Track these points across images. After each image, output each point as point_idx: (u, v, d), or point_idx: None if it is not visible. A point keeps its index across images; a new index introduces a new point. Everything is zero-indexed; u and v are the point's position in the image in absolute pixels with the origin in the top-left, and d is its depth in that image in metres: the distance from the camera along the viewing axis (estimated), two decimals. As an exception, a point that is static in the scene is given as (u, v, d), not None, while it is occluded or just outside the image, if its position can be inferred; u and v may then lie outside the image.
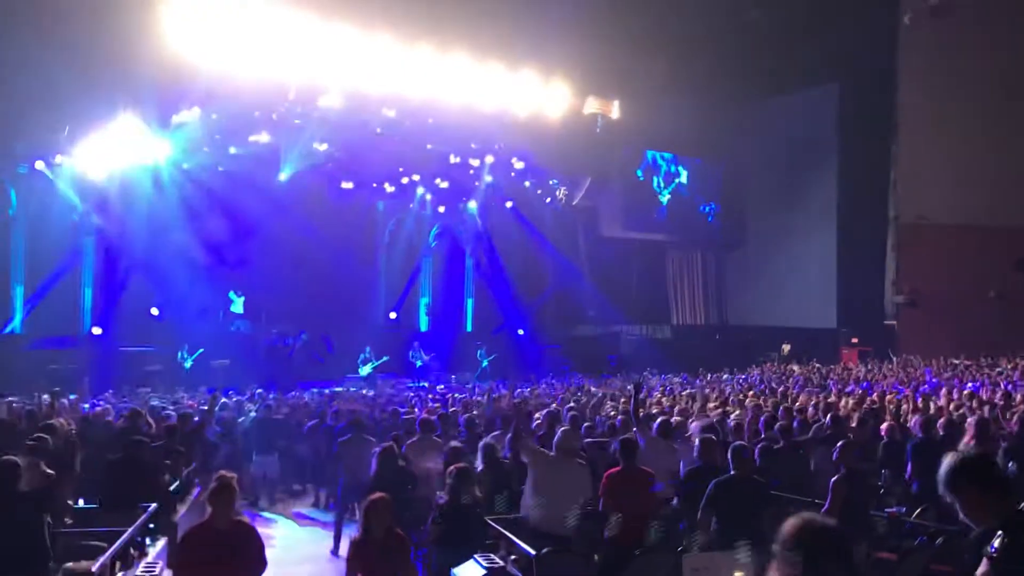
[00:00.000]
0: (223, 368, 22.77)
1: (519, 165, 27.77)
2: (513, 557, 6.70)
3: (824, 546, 2.66)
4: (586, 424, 10.75)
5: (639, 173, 31.69)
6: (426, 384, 23.30)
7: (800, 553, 2.63)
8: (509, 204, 29.09)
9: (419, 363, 26.91)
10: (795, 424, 10.04)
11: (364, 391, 20.73)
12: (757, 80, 28.29)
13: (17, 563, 5.73)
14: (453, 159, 26.60)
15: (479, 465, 8.11)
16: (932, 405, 12.59)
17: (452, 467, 7.17)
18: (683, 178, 32.89)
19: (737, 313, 33.70)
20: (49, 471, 7.51)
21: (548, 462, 7.10)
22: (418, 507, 8.03)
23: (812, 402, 13.41)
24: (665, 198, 32.47)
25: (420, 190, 28.28)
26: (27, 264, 22.20)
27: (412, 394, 19.06)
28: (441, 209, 29.49)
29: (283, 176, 24.84)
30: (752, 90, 29.31)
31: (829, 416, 10.46)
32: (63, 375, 18.66)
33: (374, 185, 27.43)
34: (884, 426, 10.03)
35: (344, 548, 9.90)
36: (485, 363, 27.12)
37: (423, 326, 30.04)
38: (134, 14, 17.66)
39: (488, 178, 27.99)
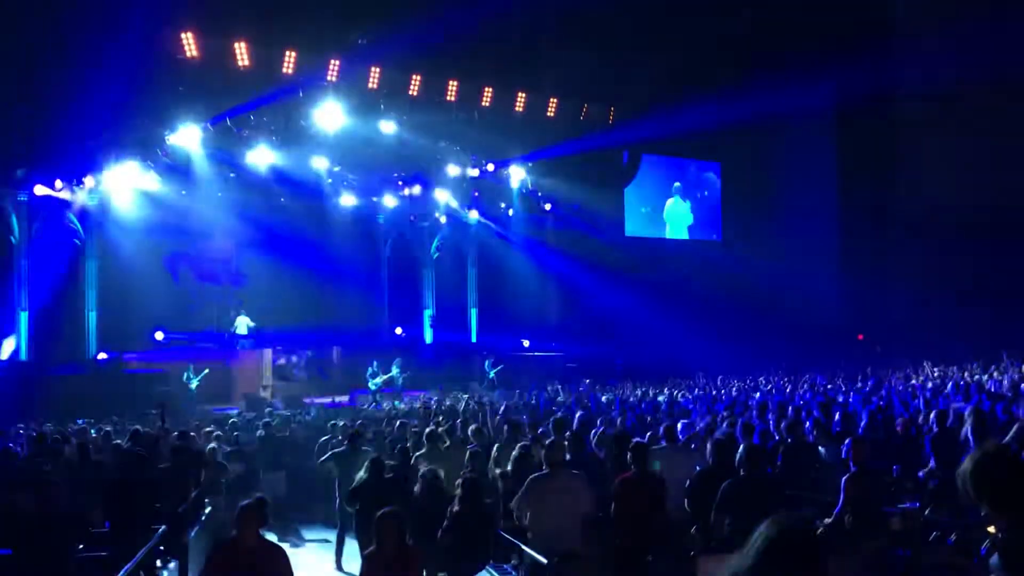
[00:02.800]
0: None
1: (519, 173, 27.78)
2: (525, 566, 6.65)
3: (786, 549, 2.57)
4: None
5: (643, 177, 31.67)
6: (435, 396, 23.16)
7: (760, 555, 2.56)
8: (511, 211, 29.11)
9: (491, 374, 26.70)
10: (808, 423, 9.97)
11: (369, 405, 20.67)
12: (751, 79, 28.16)
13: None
14: (452, 170, 26.65)
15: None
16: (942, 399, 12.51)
17: (462, 477, 7.12)
18: (683, 182, 32.90)
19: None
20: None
21: (538, 480, 6.80)
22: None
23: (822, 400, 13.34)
24: (669, 201, 32.50)
25: (420, 202, 28.25)
26: (31, 290, 22.17)
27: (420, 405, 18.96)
28: (442, 220, 29.45)
29: (283, 193, 24.88)
30: (747, 90, 29.18)
31: (839, 414, 10.40)
32: (71, 401, 18.63)
33: (374, 199, 27.42)
34: (898, 421, 9.98)
35: (345, 562, 9.96)
36: (492, 373, 27.00)
37: (428, 338, 29.95)
38: (129, 33, 17.69)
39: (488, 187, 28.02)
